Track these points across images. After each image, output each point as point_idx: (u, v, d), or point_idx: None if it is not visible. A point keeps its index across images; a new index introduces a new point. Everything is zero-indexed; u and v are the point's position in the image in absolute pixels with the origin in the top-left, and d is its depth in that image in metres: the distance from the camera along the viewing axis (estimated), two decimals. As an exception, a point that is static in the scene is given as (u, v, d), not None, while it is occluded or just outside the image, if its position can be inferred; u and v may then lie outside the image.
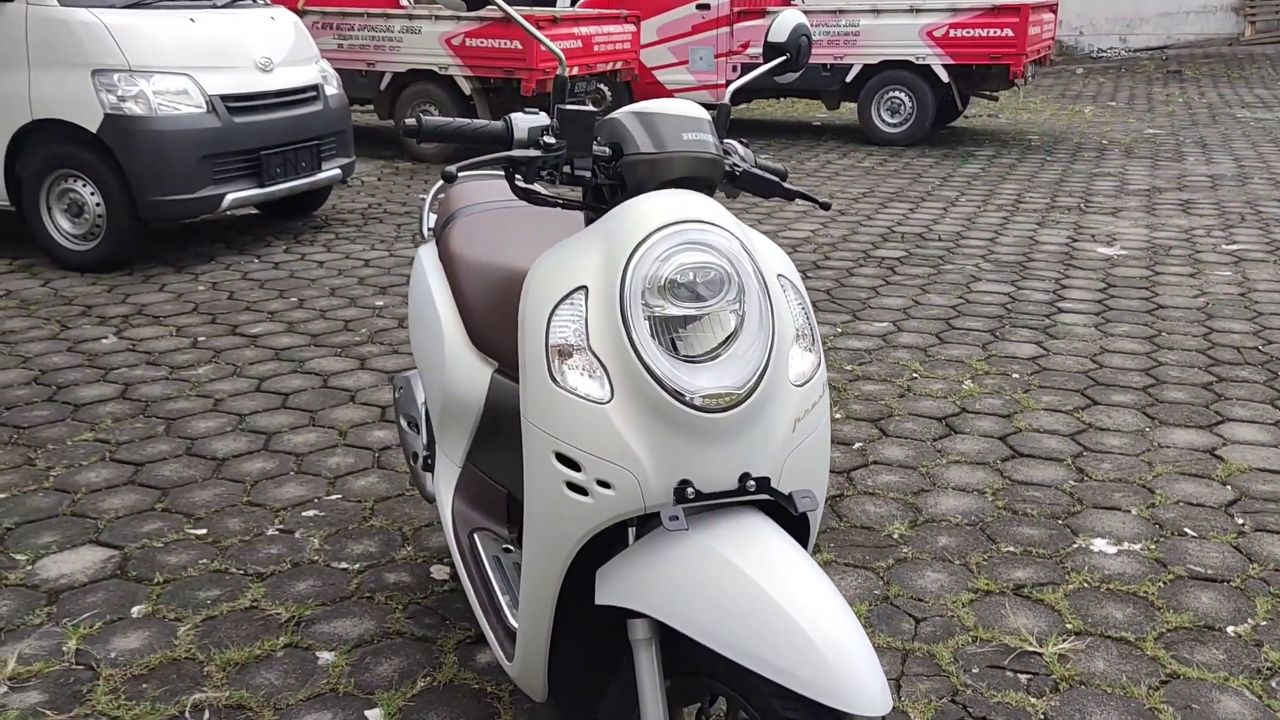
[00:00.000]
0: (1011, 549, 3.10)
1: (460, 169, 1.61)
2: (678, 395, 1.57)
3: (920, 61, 10.37)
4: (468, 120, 1.72)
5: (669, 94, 11.47)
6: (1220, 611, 2.79)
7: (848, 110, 12.50)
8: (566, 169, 1.73)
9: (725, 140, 1.97)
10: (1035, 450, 3.74)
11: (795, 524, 1.75)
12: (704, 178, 1.76)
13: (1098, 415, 4.05)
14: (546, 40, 1.76)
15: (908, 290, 5.72)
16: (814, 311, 5.29)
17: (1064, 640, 2.66)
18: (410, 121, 1.67)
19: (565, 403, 1.61)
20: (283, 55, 6.49)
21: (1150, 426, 3.94)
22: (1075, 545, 3.12)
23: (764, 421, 1.64)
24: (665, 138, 1.72)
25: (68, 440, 3.78)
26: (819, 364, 1.74)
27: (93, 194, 5.85)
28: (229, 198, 6.01)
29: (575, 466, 1.62)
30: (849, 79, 10.67)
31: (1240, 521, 3.25)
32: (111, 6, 5.85)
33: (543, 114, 1.74)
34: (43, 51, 5.71)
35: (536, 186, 1.75)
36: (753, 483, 1.63)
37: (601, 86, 11.42)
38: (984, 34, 10.16)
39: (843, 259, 6.38)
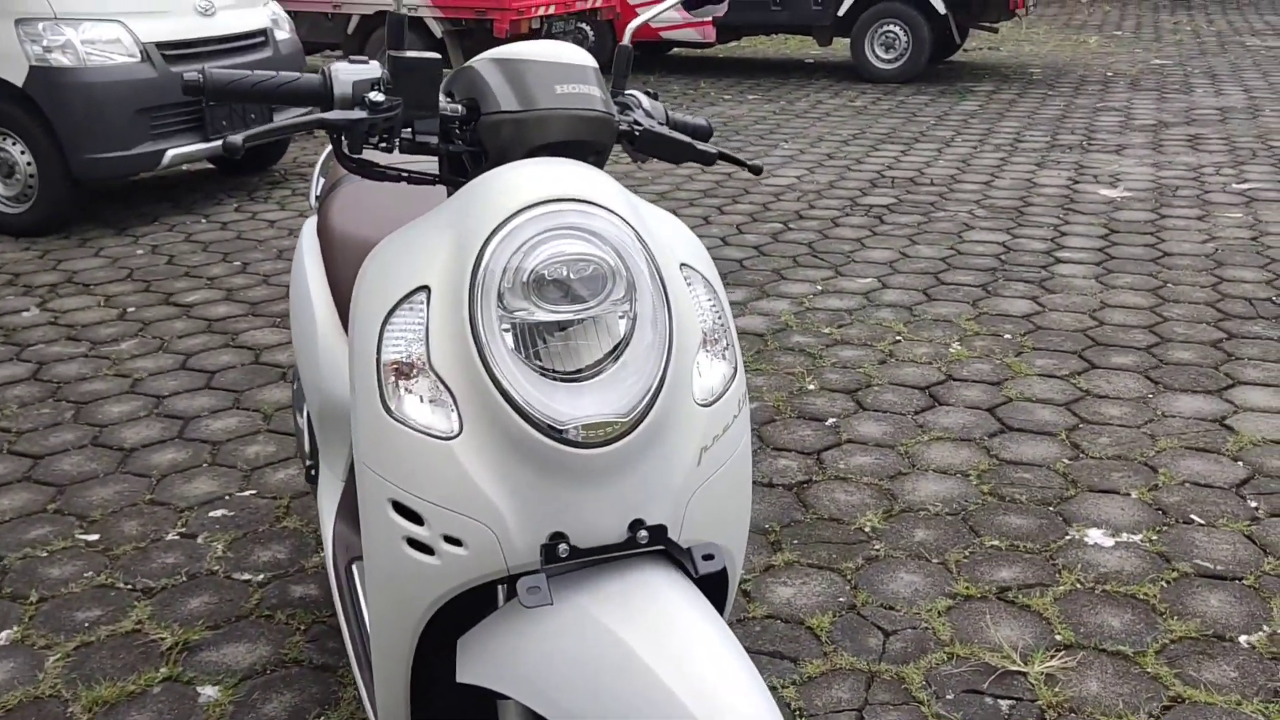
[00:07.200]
0: (996, 543, 2.76)
1: (248, 139, 1.24)
2: (547, 428, 1.23)
3: (915, -7, 9.85)
4: (270, 74, 1.35)
5: (654, 33, 10.96)
6: (1231, 617, 2.45)
7: (841, 46, 11.99)
8: (406, 133, 1.37)
9: (625, 92, 1.60)
10: (1026, 424, 3.39)
11: (710, 577, 1.41)
12: (589, 142, 1.40)
13: (1096, 381, 3.69)
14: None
15: (895, 241, 5.33)
16: (793, 268, 4.95)
17: (1053, 656, 2.33)
18: (191, 77, 1.30)
19: (401, 438, 1.26)
20: (226, -2, 6.06)
21: (1154, 392, 3.59)
22: (1068, 537, 2.78)
23: (659, 454, 1.29)
24: (533, 91, 1.36)
25: (-35, 430, 3.45)
26: (734, 375, 1.39)
27: (23, 153, 5.46)
28: (170, 154, 5.61)
29: (417, 519, 1.27)
30: (841, 13, 10.17)
31: (1253, 505, 2.91)
32: (34, -52, 5.42)
33: (375, 63, 1.37)
34: (-39, 0, 5.30)
35: (372, 156, 1.38)
36: (644, 533, 1.29)
37: (583, 25, 10.91)
38: (982, -38, 9.64)
39: (828, 208, 5.99)
